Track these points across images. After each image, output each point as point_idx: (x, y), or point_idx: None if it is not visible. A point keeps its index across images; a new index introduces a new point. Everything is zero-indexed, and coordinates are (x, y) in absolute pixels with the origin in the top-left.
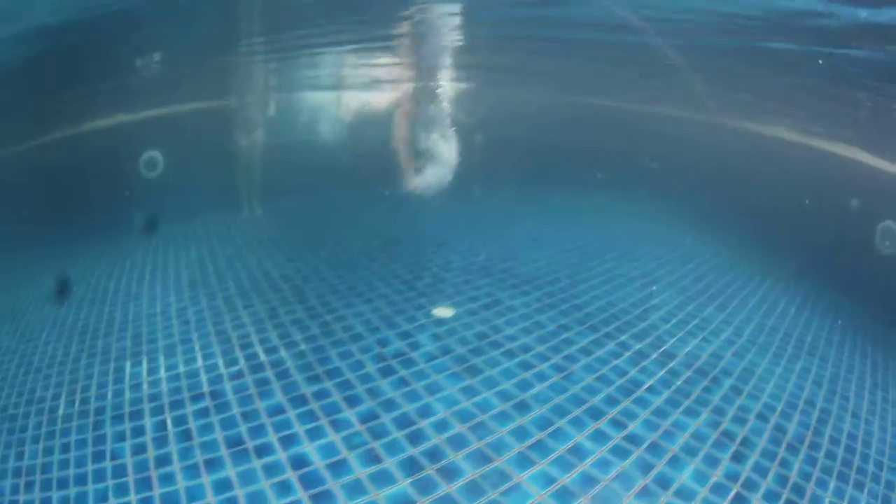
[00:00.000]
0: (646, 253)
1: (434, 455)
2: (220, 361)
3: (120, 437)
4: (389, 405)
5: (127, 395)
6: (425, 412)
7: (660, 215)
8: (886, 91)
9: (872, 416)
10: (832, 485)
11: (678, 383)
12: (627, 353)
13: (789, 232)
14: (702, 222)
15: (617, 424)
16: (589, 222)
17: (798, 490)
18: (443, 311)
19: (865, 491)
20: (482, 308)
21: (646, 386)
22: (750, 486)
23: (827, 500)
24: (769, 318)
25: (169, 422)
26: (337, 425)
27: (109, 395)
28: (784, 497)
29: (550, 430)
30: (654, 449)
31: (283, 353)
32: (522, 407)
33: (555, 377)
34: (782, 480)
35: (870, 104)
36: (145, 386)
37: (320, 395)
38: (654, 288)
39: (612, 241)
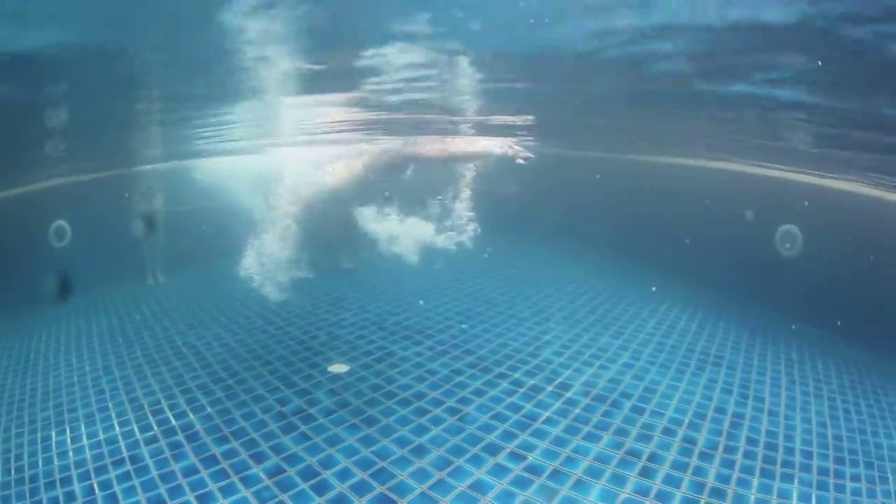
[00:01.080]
0: (537, 291)
1: (340, 502)
2: (136, 427)
3: (55, 503)
4: (294, 459)
5: (56, 462)
6: (328, 463)
7: (550, 251)
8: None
9: (792, 411)
10: (756, 482)
11: (576, 411)
12: (522, 390)
13: (684, 250)
14: (594, 253)
15: (516, 457)
16: (479, 268)
17: (718, 493)
18: (338, 368)
19: (796, 481)
20: (375, 361)
21: (543, 418)
22: (663, 497)
23: (752, 496)
24: (669, 337)
25: (96, 486)
26: (247, 481)
27: (40, 463)
28: (703, 502)
29: (449, 469)
30: (557, 476)
31: (191, 416)
32: (420, 451)
33: (450, 420)
34: (698, 487)
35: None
36: (71, 453)
37: (229, 454)
38: (548, 324)
39: (502, 284)
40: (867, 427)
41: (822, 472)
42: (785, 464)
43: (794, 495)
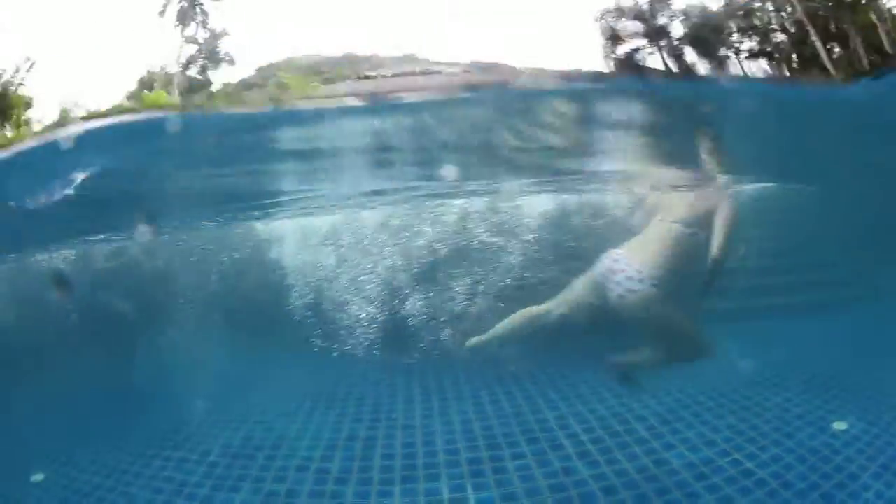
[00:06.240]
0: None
1: None
2: None
3: None
4: None
5: None
6: None
7: None
8: None
9: (430, 420)
10: (397, 489)
11: (218, 471)
12: (172, 463)
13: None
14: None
15: None
16: None
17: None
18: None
19: (444, 478)
20: None
21: (192, 482)
22: None
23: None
24: (297, 391)
25: None
26: None
27: None
28: None
29: None
30: None
31: None
32: None
33: None
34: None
35: None
36: None
37: None
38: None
39: None
40: (525, 409)
41: (474, 462)
42: (428, 466)
43: (445, 490)
